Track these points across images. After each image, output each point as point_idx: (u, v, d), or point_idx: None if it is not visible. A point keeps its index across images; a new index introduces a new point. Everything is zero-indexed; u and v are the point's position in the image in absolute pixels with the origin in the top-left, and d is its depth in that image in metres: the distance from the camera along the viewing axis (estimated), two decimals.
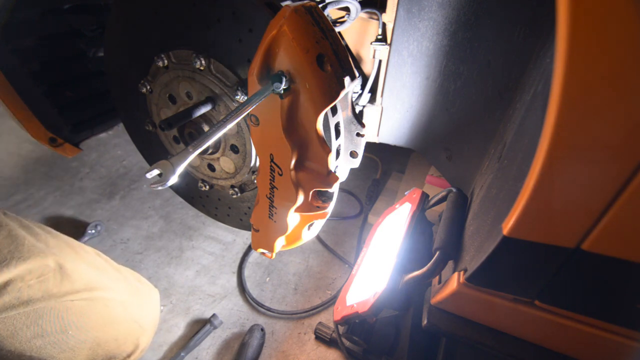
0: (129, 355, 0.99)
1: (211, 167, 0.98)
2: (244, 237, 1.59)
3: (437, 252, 0.67)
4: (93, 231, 1.55)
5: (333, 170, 0.67)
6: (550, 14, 0.35)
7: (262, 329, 1.24)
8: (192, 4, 0.76)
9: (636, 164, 0.36)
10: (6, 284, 0.75)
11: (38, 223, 0.90)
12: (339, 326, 1.15)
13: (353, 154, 0.82)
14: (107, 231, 1.61)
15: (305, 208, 0.71)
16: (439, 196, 0.86)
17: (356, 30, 0.99)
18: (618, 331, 0.52)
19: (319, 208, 0.71)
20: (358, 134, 0.79)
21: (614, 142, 0.36)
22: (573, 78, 0.35)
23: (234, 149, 0.89)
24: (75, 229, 1.57)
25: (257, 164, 0.88)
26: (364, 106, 1.03)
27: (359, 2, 0.85)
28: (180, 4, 0.78)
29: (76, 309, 0.86)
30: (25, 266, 0.78)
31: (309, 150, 0.65)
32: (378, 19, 0.91)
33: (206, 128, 0.88)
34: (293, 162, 0.64)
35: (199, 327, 1.26)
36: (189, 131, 0.89)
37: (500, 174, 0.60)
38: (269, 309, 1.31)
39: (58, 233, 0.92)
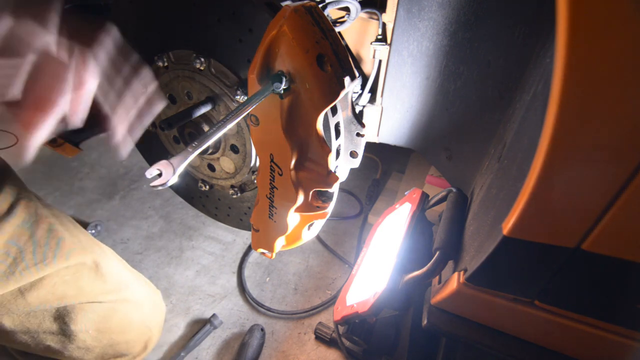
0: (134, 357, 0.99)
1: (211, 167, 0.98)
2: (244, 237, 1.60)
3: (437, 252, 0.67)
4: (93, 231, 1.55)
5: (333, 170, 0.67)
6: (551, 14, 0.35)
7: (262, 329, 1.24)
8: (192, 3, 0.76)
9: (636, 164, 0.36)
10: (42, 278, 0.74)
11: (67, 215, 0.89)
12: (339, 326, 1.15)
13: (353, 154, 0.82)
14: (107, 231, 1.61)
15: (305, 208, 0.71)
16: (439, 196, 0.86)
17: (356, 30, 0.99)
18: (618, 331, 0.52)
19: (319, 208, 0.71)
20: (358, 134, 0.79)
21: (614, 142, 0.36)
22: (573, 78, 0.35)
23: (234, 149, 0.89)
24: None
25: (257, 164, 0.88)
26: (364, 106, 1.03)
27: (359, 2, 0.85)
28: (180, 4, 0.78)
29: (102, 312, 0.86)
30: (65, 264, 0.77)
31: (309, 150, 0.65)
32: (378, 19, 0.91)
33: (206, 128, 0.88)
34: (293, 162, 0.64)
35: (199, 327, 1.26)
36: (189, 131, 0.89)
37: (500, 174, 0.60)
38: (269, 309, 1.31)
39: (82, 228, 0.91)
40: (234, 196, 0.98)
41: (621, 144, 0.36)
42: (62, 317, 0.80)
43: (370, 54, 0.95)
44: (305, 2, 0.58)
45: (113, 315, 0.89)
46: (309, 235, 0.82)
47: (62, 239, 0.79)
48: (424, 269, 0.68)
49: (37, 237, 0.75)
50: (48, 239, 0.76)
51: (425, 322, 0.69)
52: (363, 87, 1.00)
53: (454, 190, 0.81)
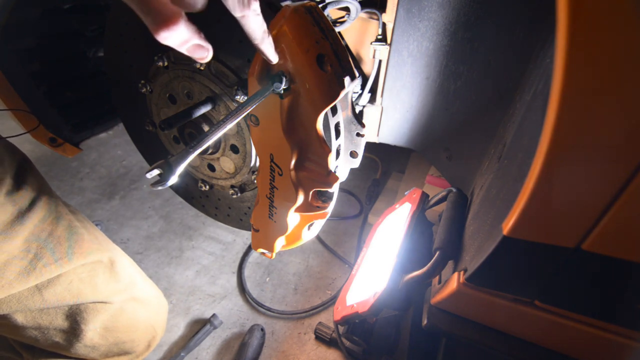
0: (137, 356, 1.00)
1: (211, 167, 0.98)
2: (244, 237, 1.60)
3: (437, 252, 0.67)
4: None
5: (333, 170, 0.67)
6: (551, 14, 0.35)
7: (262, 329, 1.24)
8: None
9: (636, 164, 0.36)
10: (59, 275, 0.74)
11: (81, 213, 0.88)
12: (339, 326, 1.15)
13: (353, 154, 0.82)
14: (107, 231, 1.61)
15: (305, 208, 0.71)
16: (439, 196, 0.86)
17: (356, 30, 0.99)
18: (618, 331, 0.52)
19: (319, 208, 0.71)
20: (358, 134, 0.79)
21: (614, 142, 0.36)
22: (573, 78, 0.35)
23: (234, 149, 0.89)
24: None
25: (257, 164, 0.88)
26: (364, 106, 1.03)
27: (359, 2, 0.85)
28: None
29: (113, 312, 0.87)
30: (83, 261, 0.77)
31: (309, 151, 0.65)
32: (378, 19, 0.91)
33: (206, 128, 0.88)
34: (293, 162, 0.64)
35: (199, 327, 1.26)
36: (189, 131, 0.89)
37: (500, 174, 0.60)
38: (269, 309, 1.31)
39: (96, 227, 0.92)
40: (234, 196, 0.98)
41: (621, 143, 0.36)
42: (74, 316, 0.81)
43: (370, 54, 0.95)
44: (305, 2, 0.58)
45: (121, 315, 0.89)
46: (309, 235, 0.82)
47: (82, 236, 0.79)
48: (424, 269, 0.68)
49: (57, 233, 0.74)
50: (68, 235, 0.76)
51: (425, 322, 0.69)
52: (363, 87, 1.00)
53: (454, 190, 0.81)
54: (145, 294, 0.97)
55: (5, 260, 0.66)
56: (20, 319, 0.74)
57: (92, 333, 0.84)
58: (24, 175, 0.74)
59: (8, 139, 0.80)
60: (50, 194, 0.77)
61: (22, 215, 0.69)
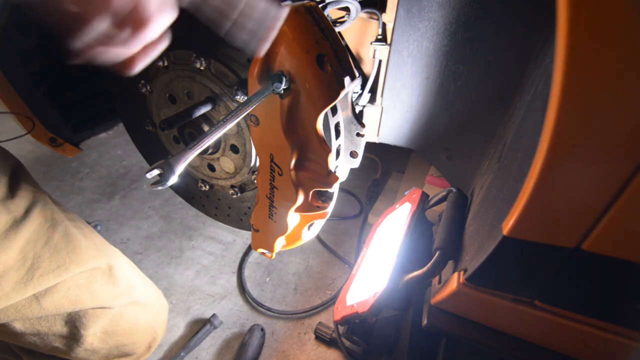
0: (138, 357, 1.00)
1: (211, 167, 0.98)
2: (244, 237, 1.60)
3: (437, 252, 0.67)
4: None
5: (333, 170, 0.67)
6: (551, 14, 0.35)
7: (262, 329, 1.24)
8: None
9: (636, 164, 0.36)
10: (57, 283, 0.73)
11: (79, 217, 0.87)
12: (339, 326, 1.15)
13: (353, 154, 0.82)
14: (107, 231, 1.61)
15: (305, 208, 0.71)
16: (439, 196, 0.86)
17: (356, 30, 0.99)
18: (618, 331, 0.52)
19: (319, 208, 0.71)
20: (358, 134, 0.79)
21: (614, 142, 0.36)
22: (573, 78, 0.35)
23: (234, 149, 0.89)
24: None
25: (257, 164, 0.88)
26: (364, 106, 1.03)
27: (359, 2, 0.85)
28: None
29: (112, 316, 0.86)
30: (81, 269, 0.76)
31: (309, 151, 0.65)
32: (378, 19, 0.91)
33: (206, 128, 0.88)
34: (293, 162, 0.65)
35: (199, 327, 1.26)
36: (189, 131, 0.89)
37: (500, 174, 0.60)
38: (269, 309, 1.31)
39: (94, 230, 0.91)
40: (234, 196, 0.98)
41: (621, 143, 0.36)
42: (73, 322, 0.80)
43: (370, 54, 0.95)
44: (305, 2, 0.59)
45: (121, 319, 0.88)
46: (309, 235, 0.82)
47: (78, 244, 0.77)
48: (424, 269, 0.68)
49: (53, 241, 0.73)
50: (65, 243, 0.75)
51: (425, 322, 0.69)
52: (363, 87, 1.00)
53: (454, 190, 0.81)
54: (144, 296, 0.96)
55: (2, 271, 0.65)
56: (18, 326, 0.73)
57: (92, 338, 0.83)
58: (17, 182, 0.72)
59: (3, 144, 0.79)
60: (45, 200, 0.76)
61: (17, 223, 0.67)
